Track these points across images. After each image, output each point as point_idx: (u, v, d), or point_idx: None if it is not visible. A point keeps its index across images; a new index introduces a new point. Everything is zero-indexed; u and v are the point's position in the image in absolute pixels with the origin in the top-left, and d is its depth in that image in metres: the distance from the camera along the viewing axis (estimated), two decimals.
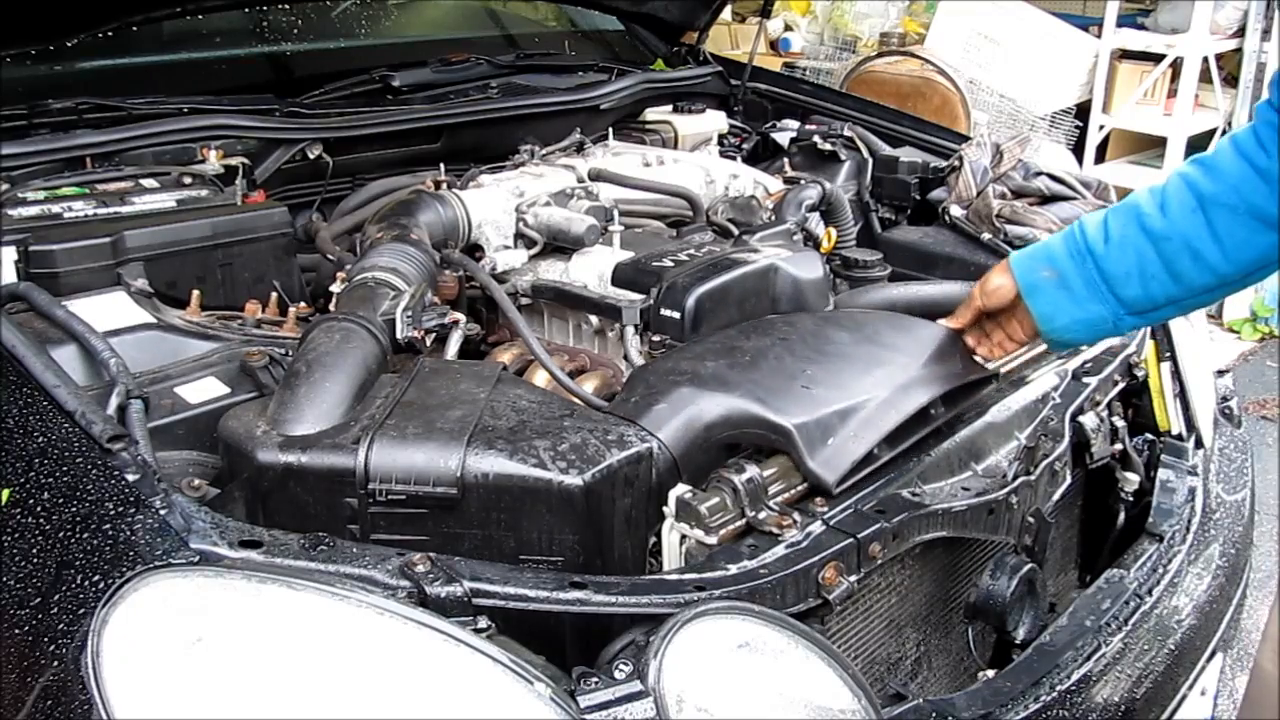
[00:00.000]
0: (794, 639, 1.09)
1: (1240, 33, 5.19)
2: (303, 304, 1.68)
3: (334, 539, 1.06)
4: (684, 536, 1.25)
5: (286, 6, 2.35)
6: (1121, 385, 1.85)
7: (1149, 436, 1.91)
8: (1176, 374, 1.97)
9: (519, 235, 1.85)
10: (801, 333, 1.53)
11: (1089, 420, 1.71)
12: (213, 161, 1.84)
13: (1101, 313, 1.41)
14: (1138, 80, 5.43)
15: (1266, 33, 5.09)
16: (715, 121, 2.63)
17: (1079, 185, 2.24)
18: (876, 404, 1.37)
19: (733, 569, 1.17)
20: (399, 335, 1.43)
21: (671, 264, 1.67)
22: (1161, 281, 1.38)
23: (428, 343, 1.49)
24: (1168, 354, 1.97)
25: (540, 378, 1.57)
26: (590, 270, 1.75)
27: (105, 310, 1.44)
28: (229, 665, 0.91)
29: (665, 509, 1.26)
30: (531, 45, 2.77)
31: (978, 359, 1.58)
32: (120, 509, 1.05)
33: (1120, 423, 1.84)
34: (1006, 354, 1.59)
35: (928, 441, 1.45)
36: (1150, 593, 1.63)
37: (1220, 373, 2.20)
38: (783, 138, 2.59)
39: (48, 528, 1.07)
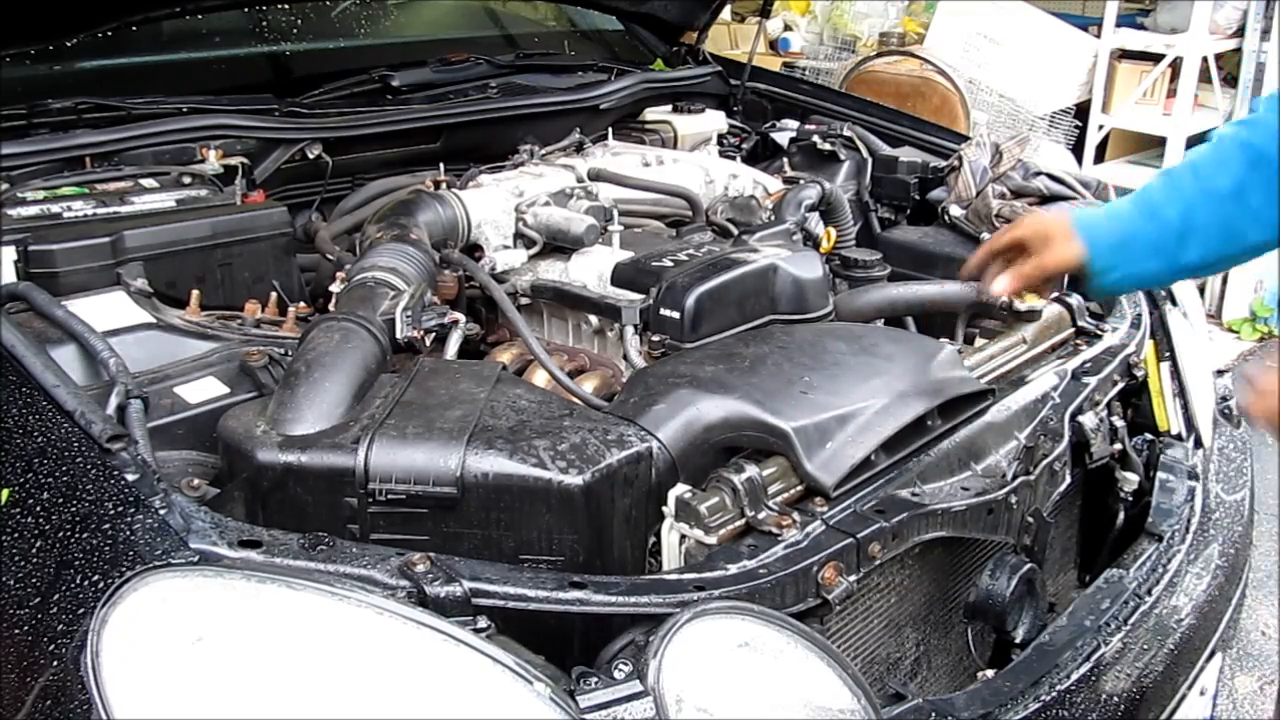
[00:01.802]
0: (794, 639, 1.09)
1: (1240, 33, 5.18)
2: (302, 304, 1.68)
3: (334, 539, 1.06)
4: (684, 536, 1.25)
5: (286, 6, 2.35)
6: (1121, 385, 1.85)
7: (1149, 436, 1.91)
8: (1176, 374, 1.97)
9: (518, 235, 1.85)
10: (800, 342, 1.53)
11: (1088, 420, 1.71)
12: (212, 161, 1.84)
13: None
14: (1137, 80, 5.43)
15: (1266, 33, 5.09)
16: (715, 121, 2.63)
17: (1078, 185, 2.24)
18: (874, 411, 1.38)
19: (732, 569, 1.17)
20: (399, 335, 1.43)
21: (671, 264, 1.67)
22: (1218, 244, 1.39)
23: (427, 343, 1.49)
24: (1167, 354, 1.97)
25: (540, 378, 1.57)
26: (590, 270, 1.75)
27: (105, 310, 1.44)
28: (229, 665, 0.91)
29: (665, 509, 1.26)
30: (531, 45, 2.77)
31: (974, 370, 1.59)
32: (120, 509, 1.05)
33: (1120, 422, 1.84)
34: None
35: (925, 449, 1.45)
36: (1150, 593, 1.63)
37: (1220, 373, 2.20)
38: (782, 138, 2.59)
39: (47, 528, 1.07)
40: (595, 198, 1.92)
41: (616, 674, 0.98)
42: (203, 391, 1.36)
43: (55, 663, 0.97)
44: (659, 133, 2.55)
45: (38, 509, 1.10)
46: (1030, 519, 1.54)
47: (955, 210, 2.16)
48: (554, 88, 2.43)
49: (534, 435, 1.23)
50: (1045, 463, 1.58)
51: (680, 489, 1.26)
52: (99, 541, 1.03)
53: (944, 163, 2.31)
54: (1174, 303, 2.10)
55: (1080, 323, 1.89)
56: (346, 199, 2.03)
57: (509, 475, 1.18)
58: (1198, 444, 1.96)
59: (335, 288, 1.59)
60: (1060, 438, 1.64)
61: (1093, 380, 1.76)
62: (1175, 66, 5.31)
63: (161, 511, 1.04)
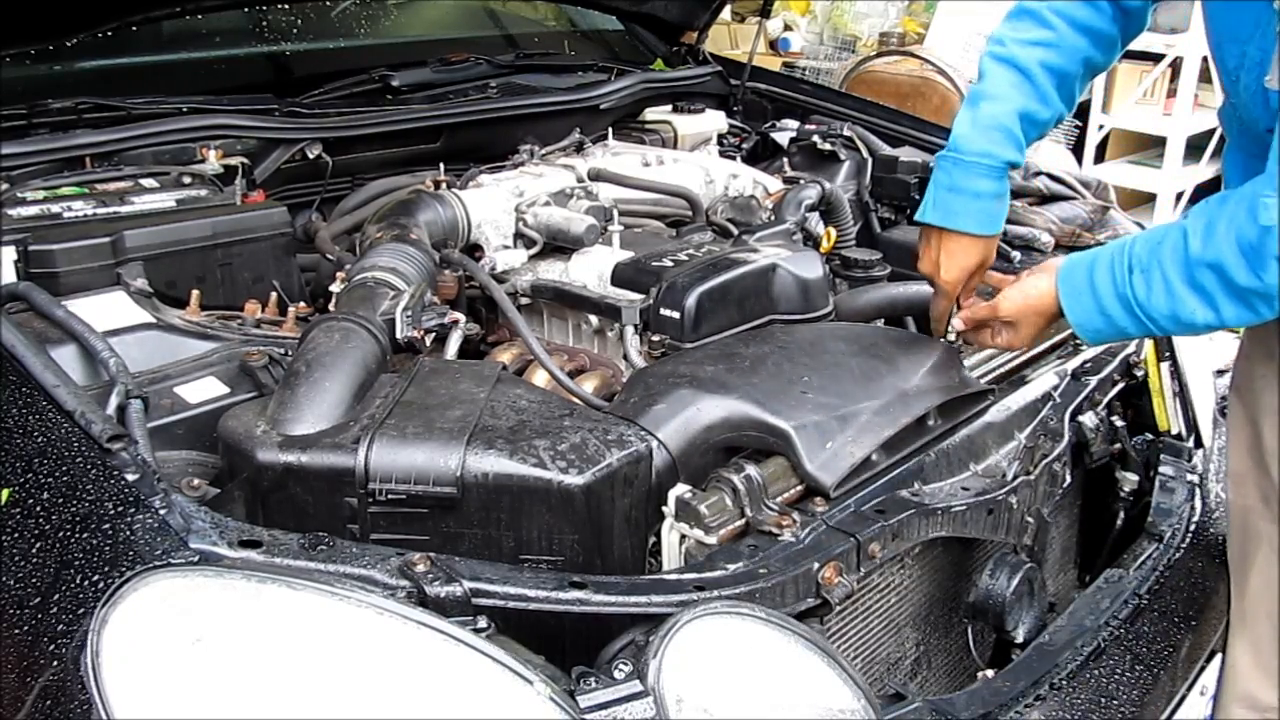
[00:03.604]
0: (794, 639, 1.09)
1: None
2: (302, 304, 1.68)
3: (334, 539, 1.06)
4: (684, 536, 1.25)
5: (286, 6, 2.35)
6: (1121, 385, 1.85)
7: (1149, 436, 1.91)
8: (1176, 374, 1.97)
9: (519, 235, 1.85)
10: (800, 342, 1.53)
11: (1088, 420, 1.71)
12: (212, 161, 1.84)
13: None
14: (1137, 80, 5.44)
15: None
16: (715, 121, 2.63)
17: (1078, 185, 2.24)
18: (874, 411, 1.38)
19: (732, 569, 1.17)
20: (399, 335, 1.43)
21: (671, 264, 1.67)
22: None
23: (427, 343, 1.49)
24: (1167, 354, 1.97)
25: (540, 378, 1.57)
26: (590, 270, 1.75)
27: (105, 310, 1.44)
28: (229, 665, 0.91)
29: (665, 509, 1.26)
30: (531, 45, 2.77)
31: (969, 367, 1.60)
32: (120, 509, 1.05)
33: (1120, 423, 1.84)
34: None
35: (925, 449, 1.45)
36: (1150, 593, 1.63)
37: (1220, 372, 2.21)
38: (782, 138, 2.59)
39: (47, 528, 1.07)
40: (595, 198, 1.92)
41: (616, 674, 0.98)
42: (203, 391, 1.36)
43: (55, 663, 0.97)
44: (659, 133, 2.55)
45: (38, 509, 1.10)
46: (1030, 519, 1.54)
47: None
48: (554, 88, 2.43)
49: (534, 435, 1.23)
50: (1045, 463, 1.58)
51: (680, 489, 1.26)
52: (99, 541, 1.03)
53: None
54: None
55: None
56: (346, 199, 2.03)
57: (509, 475, 1.18)
58: (1198, 444, 1.96)
59: (335, 288, 1.59)
60: (1060, 438, 1.64)
61: (1093, 380, 1.76)
62: (1175, 66, 5.32)
63: (161, 511, 1.04)
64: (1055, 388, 1.70)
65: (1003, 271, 1.61)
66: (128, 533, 1.02)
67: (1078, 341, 1.87)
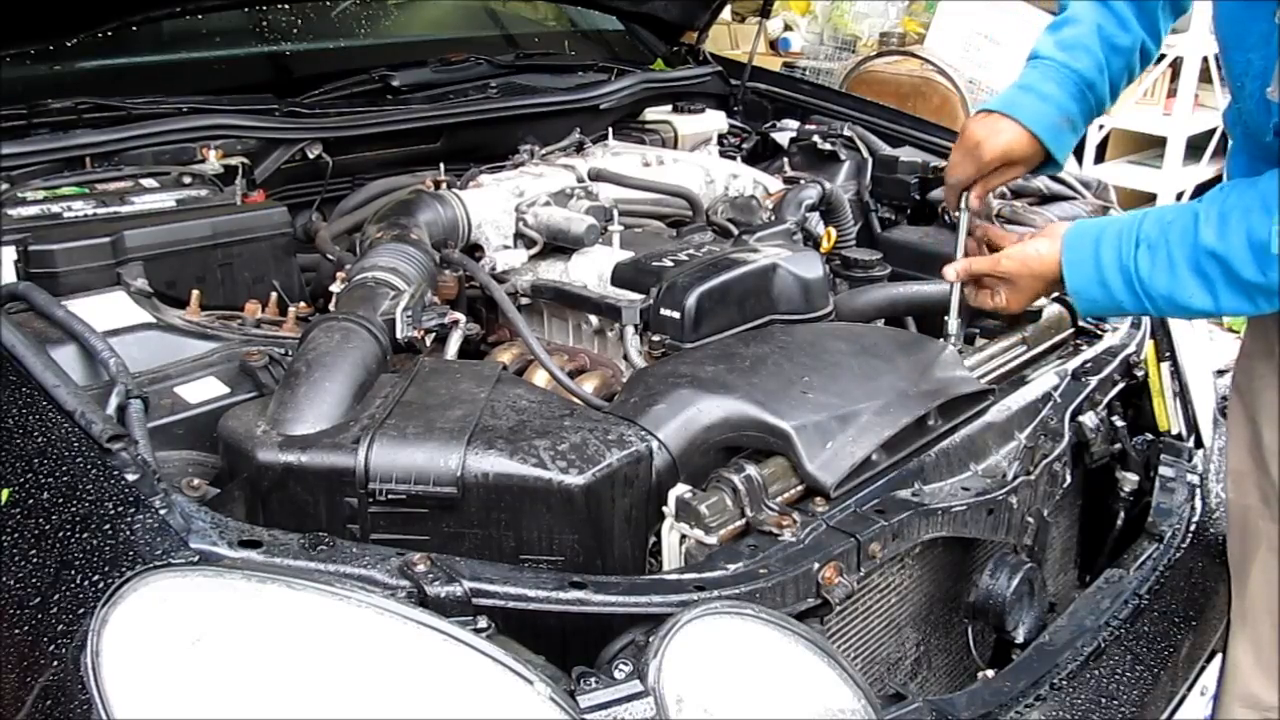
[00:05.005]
0: (794, 639, 1.09)
1: None
2: (303, 304, 1.68)
3: (334, 539, 1.06)
4: (684, 536, 1.25)
5: (286, 6, 2.35)
6: (1121, 385, 1.85)
7: (1149, 436, 1.91)
8: (1176, 374, 1.97)
9: (519, 235, 1.85)
10: (800, 342, 1.53)
11: (1088, 420, 1.71)
12: (212, 161, 1.84)
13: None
14: (1137, 80, 5.42)
15: None
16: (715, 121, 2.63)
17: (1079, 185, 2.24)
18: (874, 411, 1.38)
19: (733, 569, 1.17)
20: (399, 335, 1.43)
21: (671, 264, 1.67)
22: None
23: (428, 343, 1.49)
24: (1168, 354, 1.97)
25: (540, 378, 1.57)
26: (590, 270, 1.75)
27: (105, 310, 1.44)
28: (229, 665, 0.91)
29: (665, 509, 1.26)
30: (531, 45, 2.77)
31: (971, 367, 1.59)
32: (120, 509, 1.05)
33: (1120, 422, 1.84)
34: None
35: (925, 449, 1.45)
36: (1150, 593, 1.63)
37: (1220, 372, 2.21)
38: (782, 138, 2.59)
39: (48, 528, 1.07)
40: (595, 198, 1.92)
41: (617, 674, 0.98)
42: (203, 391, 1.36)
43: (55, 663, 0.97)
44: (659, 133, 2.55)
45: (38, 509, 1.10)
46: (1030, 519, 1.54)
47: None
48: (554, 88, 2.43)
49: (534, 435, 1.23)
50: (1045, 463, 1.58)
51: (680, 489, 1.26)
52: (99, 541, 1.03)
53: (944, 163, 2.31)
54: None
55: (1080, 322, 1.89)
56: (346, 199, 2.03)
57: (509, 475, 1.18)
58: (1198, 444, 1.96)
59: (335, 288, 1.59)
60: (1060, 438, 1.64)
61: (1093, 380, 1.76)
62: (1175, 66, 5.31)
63: (161, 511, 1.04)
64: (1055, 388, 1.70)
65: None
66: (128, 533, 1.02)
67: (1079, 341, 1.87)
